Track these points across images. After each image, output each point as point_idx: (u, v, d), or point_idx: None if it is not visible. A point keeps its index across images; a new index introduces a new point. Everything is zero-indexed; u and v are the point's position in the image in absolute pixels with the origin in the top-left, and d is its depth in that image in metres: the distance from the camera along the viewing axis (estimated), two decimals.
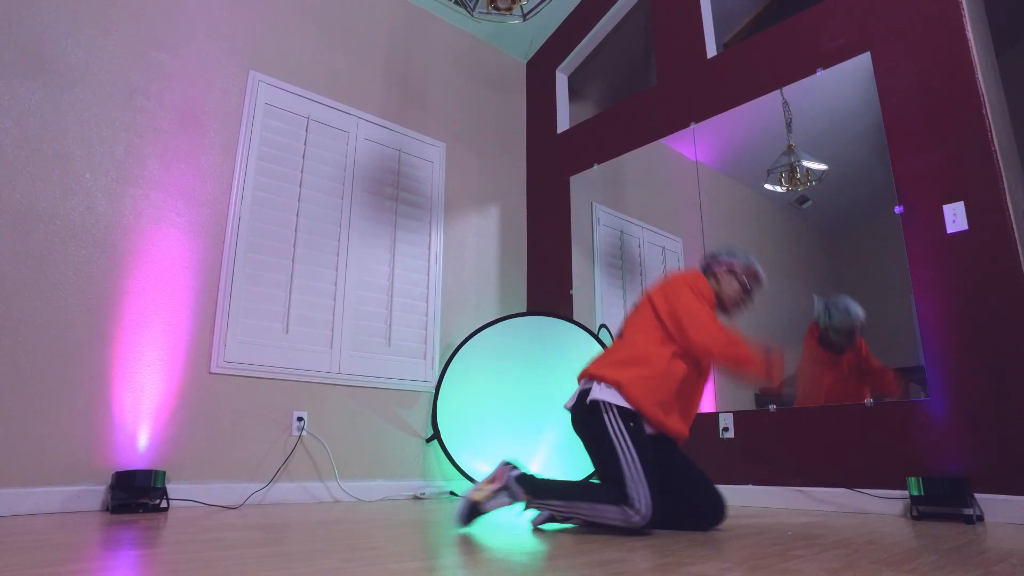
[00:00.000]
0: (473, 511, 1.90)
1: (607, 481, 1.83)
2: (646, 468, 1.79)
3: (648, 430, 1.94)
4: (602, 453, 1.86)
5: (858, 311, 2.63)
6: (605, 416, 1.88)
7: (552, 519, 1.96)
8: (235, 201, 2.96)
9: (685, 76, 3.54)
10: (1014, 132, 3.24)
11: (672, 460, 1.99)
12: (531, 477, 1.93)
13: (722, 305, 2.12)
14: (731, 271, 2.11)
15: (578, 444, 3.23)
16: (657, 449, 1.94)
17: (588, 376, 2.00)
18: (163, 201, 2.77)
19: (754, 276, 2.12)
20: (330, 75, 3.47)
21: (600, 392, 1.92)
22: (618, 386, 1.91)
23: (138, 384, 2.56)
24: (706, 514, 1.91)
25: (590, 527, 1.89)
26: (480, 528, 1.94)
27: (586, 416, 1.93)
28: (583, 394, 1.98)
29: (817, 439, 2.65)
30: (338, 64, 3.52)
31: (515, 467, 1.97)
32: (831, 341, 2.71)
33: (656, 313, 2.00)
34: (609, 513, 1.76)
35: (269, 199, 3.08)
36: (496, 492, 1.91)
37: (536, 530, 1.90)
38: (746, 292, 2.11)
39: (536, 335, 3.46)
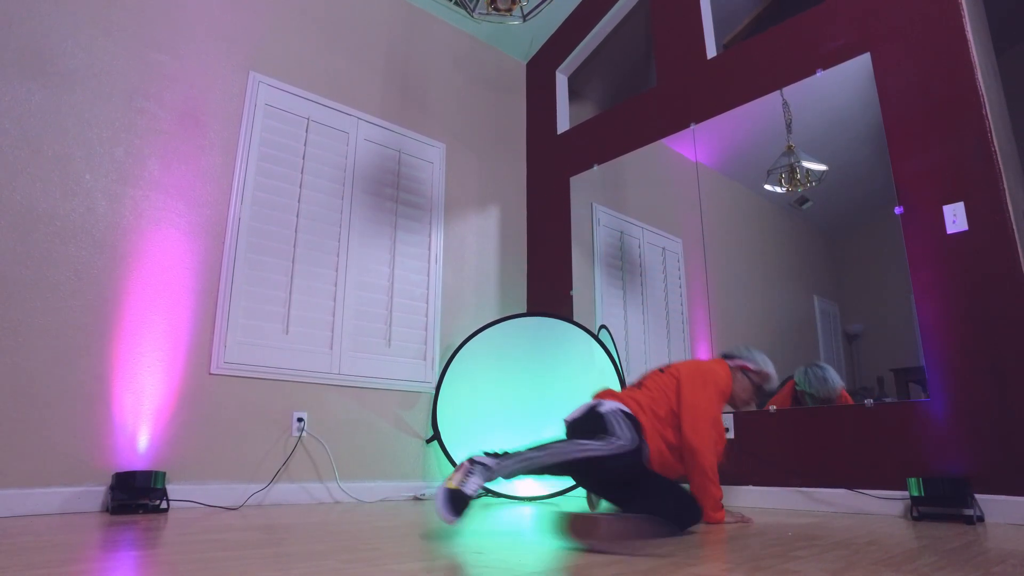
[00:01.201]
0: (458, 499, 1.69)
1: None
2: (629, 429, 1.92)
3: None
4: (598, 429, 1.96)
5: (836, 381, 2.68)
6: (614, 415, 2.00)
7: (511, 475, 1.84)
8: (235, 202, 2.96)
9: (685, 77, 3.54)
10: (1014, 132, 3.24)
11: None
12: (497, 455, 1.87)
13: (733, 399, 2.30)
14: (744, 370, 2.30)
15: None
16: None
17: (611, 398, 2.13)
18: (163, 202, 2.77)
19: (766, 378, 2.32)
20: (330, 76, 3.47)
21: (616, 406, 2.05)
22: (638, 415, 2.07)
23: (138, 385, 2.56)
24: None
25: (562, 468, 1.91)
26: (480, 529, 1.94)
27: (593, 421, 2.02)
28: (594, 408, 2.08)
29: (817, 440, 2.65)
30: (338, 65, 3.52)
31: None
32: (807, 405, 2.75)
33: (678, 397, 2.13)
34: (591, 446, 1.86)
35: (269, 200, 3.08)
36: (467, 474, 1.73)
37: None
38: (756, 392, 2.32)
39: (536, 336, 3.46)
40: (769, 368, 2.31)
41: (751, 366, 2.29)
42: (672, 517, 1.87)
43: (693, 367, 2.18)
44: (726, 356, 2.36)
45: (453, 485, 1.70)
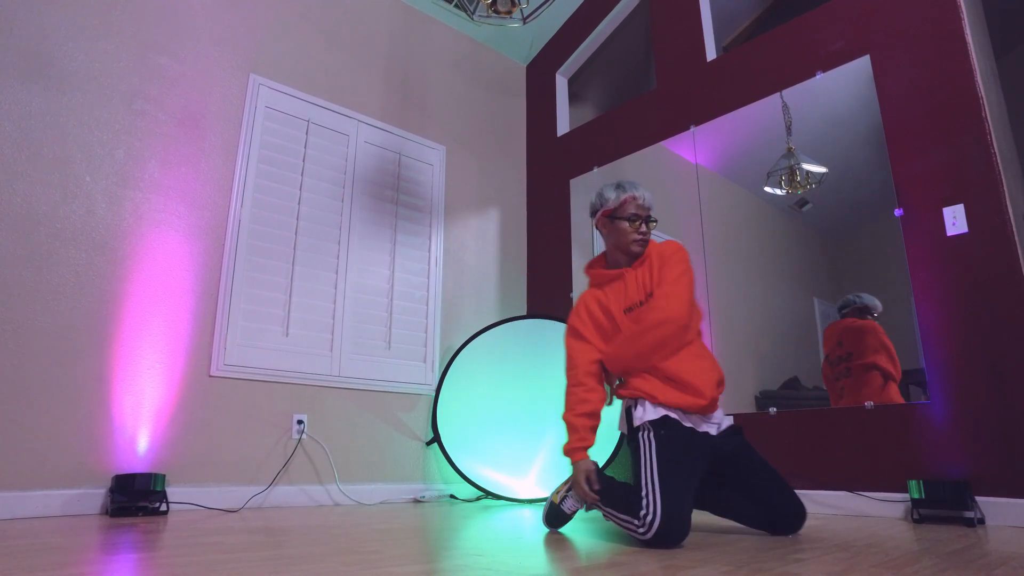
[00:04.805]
0: (554, 513, 1.90)
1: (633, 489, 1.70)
2: (666, 477, 1.63)
3: (685, 422, 1.78)
4: (633, 469, 1.77)
5: (878, 304, 2.63)
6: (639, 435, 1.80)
7: None
8: (235, 204, 2.96)
9: (685, 79, 3.54)
10: (1013, 135, 3.25)
11: (740, 460, 1.84)
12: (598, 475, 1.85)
13: (618, 255, 1.98)
14: (608, 217, 1.97)
15: None
16: (720, 453, 1.83)
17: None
18: (163, 204, 2.77)
19: (627, 202, 1.93)
20: (330, 78, 3.47)
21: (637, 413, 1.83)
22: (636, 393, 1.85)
23: (138, 387, 2.56)
24: (781, 525, 1.79)
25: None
26: (481, 531, 1.94)
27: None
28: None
29: (817, 442, 2.65)
30: (338, 67, 3.52)
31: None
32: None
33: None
34: (625, 524, 1.63)
35: (269, 202, 3.08)
36: (568, 491, 1.89)
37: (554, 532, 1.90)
38: (632, 222, 1.94)
39: (536, 338, 3.46)
40: (627, 190, 1.93)
41: (610, 206, 1.95)
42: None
43: None
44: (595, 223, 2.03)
45: (556, 499, 1.90)
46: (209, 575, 1.17)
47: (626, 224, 1.94)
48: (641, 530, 1.57)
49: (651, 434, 1.74)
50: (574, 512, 1.90)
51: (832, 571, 1.24)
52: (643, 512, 1.57)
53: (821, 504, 2.57)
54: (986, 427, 2.23)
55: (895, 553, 1.49)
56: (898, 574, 1.21)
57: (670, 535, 1.55)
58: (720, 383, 1.88)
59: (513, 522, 2.23)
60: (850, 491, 2.50)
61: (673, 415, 1.78)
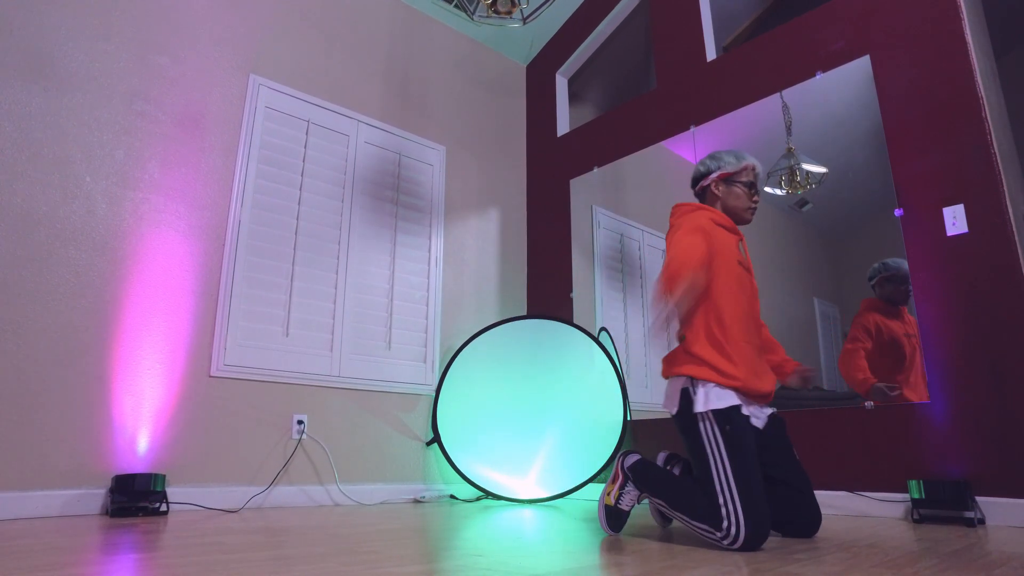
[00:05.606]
0: (613, 515, 1.85)
1: (705, 495, 1.64)
2: (744, 483, 1.58)
3: (745, 409, 1.72)
4: (698, 467, 1.69)
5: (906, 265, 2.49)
6: (701, 425, 1.70)
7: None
8: (235, 204, 2.96)
9: (685, 79, 3.54)
10: (1013, 135, 3.24)
11: (771, 457, 1.81)
12: (643, 467, 1.83)
13: (734, 215, 1.96)
14: (724, 180, 1.96)
15: (579, 448, 3.22)
16: (764, 443, 1.80)
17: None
18: (163, 204, 2.77)
19: (748, 169, 1.96)
20: (330, 79, 3.47)
21: (696, 400, 1.72)
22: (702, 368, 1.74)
23: (138, 387, 2.56)
24: (796, 527, 1.78)
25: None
26: (481, 532, 1.94)
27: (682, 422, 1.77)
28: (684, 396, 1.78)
29: (817, 442, 2.65)
30: (338, 68, 3.52)
31: (628, 454, 1.88)
32: (891, 290, 2.52)
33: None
34: (702, 532, 1.60)
35: (269, 202, 3.08)
36: (622, 489, 1.85)
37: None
38: (750, 189, 1.95)
39: (536, 338, 3.46)
40: (746, 158, 1.96)
41: (729, 170, 1.95)
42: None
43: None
44: (696, 185, 2.01)
45: (611, 502, 1.85)
46: (209, 575, 1.17)
47: (743, 190, 1.95)
48: (725, 542, 1.54)
49: (715, 428, 1.66)
50: (631, 508, 1.86)
51: (832, 571, 1.24)
52: (725, 524, 1.55)
53: (821, 504, 2.57)
54: (986, 427, 2.23)
55: (895, 553, 1.49)
56: (898, 574, 1.21)
57: (757, 542, 1.53)
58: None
59: (513, 522, 2.23)
60: (850, 491, 2.50)
61: (737, 401, 1.71)
